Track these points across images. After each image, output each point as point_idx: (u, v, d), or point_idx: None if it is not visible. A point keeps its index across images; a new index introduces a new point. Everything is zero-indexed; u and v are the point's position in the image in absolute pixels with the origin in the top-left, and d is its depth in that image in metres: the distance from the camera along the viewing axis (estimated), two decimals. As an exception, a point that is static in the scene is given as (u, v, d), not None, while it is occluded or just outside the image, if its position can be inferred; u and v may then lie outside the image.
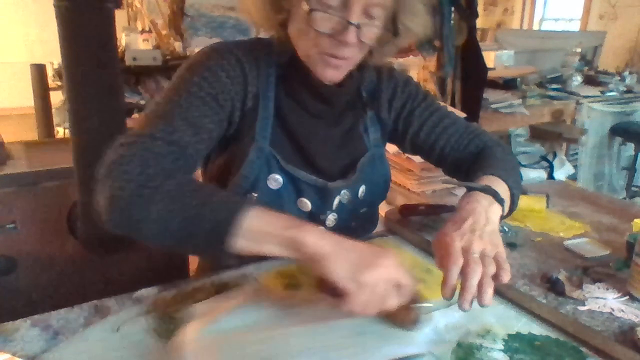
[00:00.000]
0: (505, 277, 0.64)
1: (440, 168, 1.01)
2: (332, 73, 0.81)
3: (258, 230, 0.64)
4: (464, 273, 0.64)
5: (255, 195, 0.85)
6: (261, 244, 0.64)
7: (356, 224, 0.96)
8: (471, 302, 0.64)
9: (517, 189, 0.84)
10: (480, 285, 0.63)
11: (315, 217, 0.90)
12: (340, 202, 0.90)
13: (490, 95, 2.71)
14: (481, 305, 0.63)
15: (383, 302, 0.62)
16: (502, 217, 0.78)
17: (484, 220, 0.71)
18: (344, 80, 0.85)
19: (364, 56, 0.84)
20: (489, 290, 0.63)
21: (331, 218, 0.91)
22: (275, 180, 0.85)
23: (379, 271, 0.61)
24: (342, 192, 0.90)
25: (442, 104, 1.02)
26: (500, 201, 0.76)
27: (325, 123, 0.89)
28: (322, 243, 0.63)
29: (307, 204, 0.88)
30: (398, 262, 0.64)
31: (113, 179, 0.66)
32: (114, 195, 0.65)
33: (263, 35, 0.91)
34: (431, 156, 0.99)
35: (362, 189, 0.92)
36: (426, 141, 0.96)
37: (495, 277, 0.65)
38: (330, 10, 0.74)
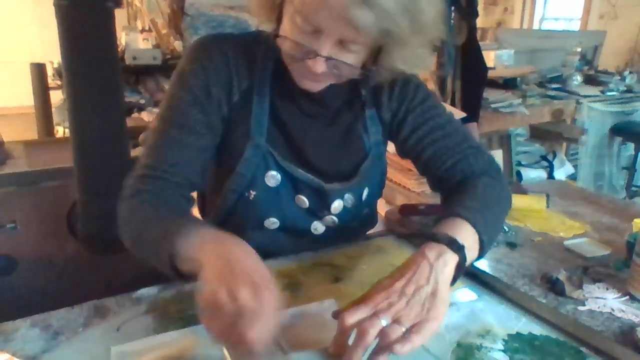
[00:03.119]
0: (399, 349, 0.56)
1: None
2: (308, 84, 0.78)
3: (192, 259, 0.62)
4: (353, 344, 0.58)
5: (254, 193, 0.85)
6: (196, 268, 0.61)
7: (357, 224, 0.96)
8: None
9: (490, 233, 0.73)
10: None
11: (314, 214, 0.90)
12: (344, 206, 0.90)
13: (490, 94, 2.71)
14: None
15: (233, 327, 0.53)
16: (465, 265, 0.68)
17: (424, 280, 0.62)
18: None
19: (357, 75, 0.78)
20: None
21: (330, 221, 0.91)
22: (273, 177, 0.85)
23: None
24: (346, 195, 0.89)
25: (445, 105, 0.96)
26: (459, 249, 0.66)
27: (320, 123, 0.87)
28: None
29: (304, 201, 0.88)
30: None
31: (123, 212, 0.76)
32: (120, 225, 0.76)
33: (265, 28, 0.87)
34: (417, 166, 0.93)
35: (365, 192, 0.92)
36: (413, 149, 0.90)
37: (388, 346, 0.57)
38: (302, 36, 0.70)
